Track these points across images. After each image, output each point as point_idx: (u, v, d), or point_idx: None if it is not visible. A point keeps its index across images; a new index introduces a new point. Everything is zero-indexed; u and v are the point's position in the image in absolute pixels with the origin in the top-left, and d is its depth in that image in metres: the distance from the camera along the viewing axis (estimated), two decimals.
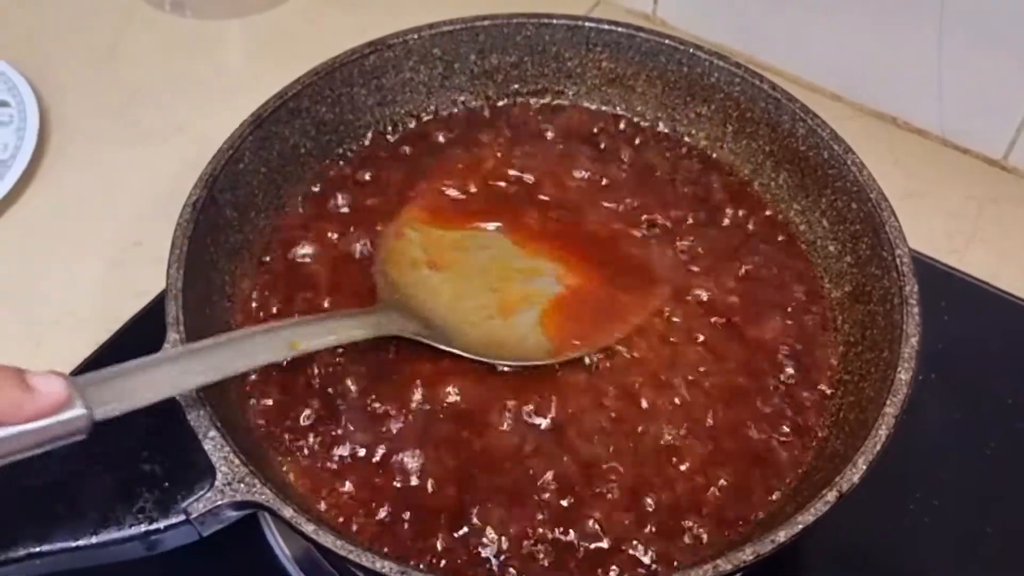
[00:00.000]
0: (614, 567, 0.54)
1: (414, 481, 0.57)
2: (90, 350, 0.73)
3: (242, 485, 0.50)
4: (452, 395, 0.60)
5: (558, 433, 0.59)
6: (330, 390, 0.60)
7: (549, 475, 0.57)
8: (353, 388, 0.60)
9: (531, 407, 0.60)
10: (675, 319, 0.64)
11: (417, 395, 0.60)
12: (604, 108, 0.77)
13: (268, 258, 0.67)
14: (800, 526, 0.49)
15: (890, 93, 0.91)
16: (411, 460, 0.57)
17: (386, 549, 0.54)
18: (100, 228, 0.82)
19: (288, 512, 0.49)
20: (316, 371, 0.61)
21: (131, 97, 0.92)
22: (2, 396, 0.42)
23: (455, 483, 0.57)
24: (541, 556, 0.54)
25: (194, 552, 0.53)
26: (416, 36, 0.72)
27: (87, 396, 0.45)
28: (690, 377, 0.62)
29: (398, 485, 0.57)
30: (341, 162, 0.72)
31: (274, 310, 0.64)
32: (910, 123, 0.91)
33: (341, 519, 0.56)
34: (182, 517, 0.50)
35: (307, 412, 0.59)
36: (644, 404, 0.60)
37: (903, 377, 0.55)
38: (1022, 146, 0.86)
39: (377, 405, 0.60)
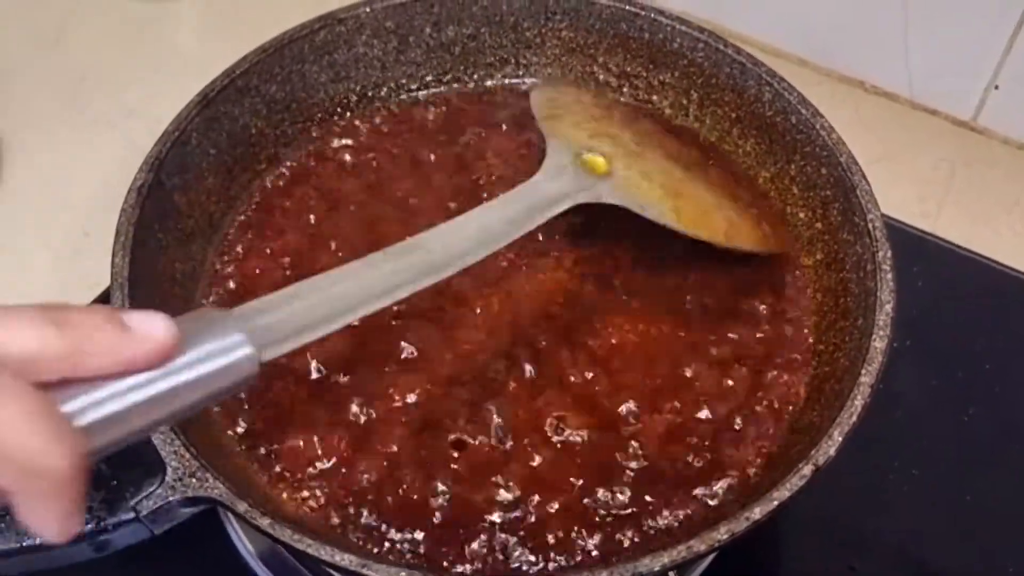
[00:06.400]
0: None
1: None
2: None
3: (194, 480, 0.48)
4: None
5: None
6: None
7: None
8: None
9: None
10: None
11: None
12: None
13: (224, 244, 0.65)
14: (775, 502, 0.48)
15: (857, 57, 0.89)
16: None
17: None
18: (49, 219, 0.80)
19: (242, 507, 0.47)
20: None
21: (79, 81, 0.89)
22: (94, 339, 0.34)
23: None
24: None
25: (155, 549, 0.50)
26: (368, 9, 0.69)
27: (254, 332, 0.38)
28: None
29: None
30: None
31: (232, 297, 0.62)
32: (878, 87, 0.89)
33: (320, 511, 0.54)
34: (131, 515, 0.47)
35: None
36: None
37: (878, 345, 0.54)
38: (991, 107, 0.85)
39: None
